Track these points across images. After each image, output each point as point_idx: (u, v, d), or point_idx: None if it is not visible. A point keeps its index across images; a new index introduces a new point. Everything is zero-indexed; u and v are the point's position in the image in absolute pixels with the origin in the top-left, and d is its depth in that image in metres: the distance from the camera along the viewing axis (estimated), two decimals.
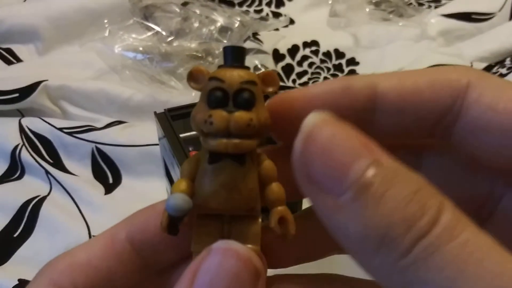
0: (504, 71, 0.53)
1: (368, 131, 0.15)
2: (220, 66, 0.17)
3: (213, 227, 0.17)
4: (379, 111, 0.17)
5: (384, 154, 0.14)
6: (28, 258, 0.44)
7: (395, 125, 0.17)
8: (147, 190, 0.50)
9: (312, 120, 0.14)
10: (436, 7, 0.73)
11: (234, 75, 0.16)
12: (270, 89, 0.17)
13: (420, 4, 0.76)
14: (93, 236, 0.45)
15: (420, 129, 0.17)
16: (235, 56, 0.17)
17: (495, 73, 0.55)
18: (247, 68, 0.17)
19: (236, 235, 0.17)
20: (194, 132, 0.44)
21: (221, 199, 0.16)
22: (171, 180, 0.44)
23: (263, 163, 0.17)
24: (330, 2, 0.75)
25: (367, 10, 0.73)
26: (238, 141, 0.16)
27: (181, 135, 0.41)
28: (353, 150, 0.13)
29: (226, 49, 0.17)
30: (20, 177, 0.51)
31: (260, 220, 0.17)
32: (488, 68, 0.60)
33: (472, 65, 0.60)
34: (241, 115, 0.16)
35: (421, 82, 0.17)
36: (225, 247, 0.15)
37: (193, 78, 0.17)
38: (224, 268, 0.15)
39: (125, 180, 0.51)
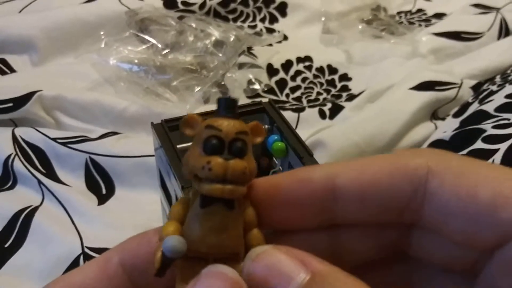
0: (494, 88, 0.54)
1: (331, 217, 0.18)
2: (214, 115, 0.18)
3: (198, 269, 0.17)
4: (340, 201, 0.17)
5: (321, 264, 0.16)
6: (19, 268, 0.44)
7: (358, 212, 0.18)
8: (141, 201, 0.50)
9: (258, 250, 0.17)
10: (426, 26, 0.75)
11: (230, 125, 0.17)
12: (258, 140, 0.18)
13: (411, 23, 0.77)
14: (86, 247, 0.45)
15: (385, 215, 0.18)
16: (229, 107, 0.18)
17: (485, 90, 0.56)
18: (239, 118, 0.18)
19: None
20: (190, 143, 0.44)
21: (211, 243, 0.17)
22: (166, 191, 0.44)
23: (246, 209, 0.18)
24: (323, 19, 0.77)
25: (359, 27, 0.74)
26: (233, 187, 0.17)
27: (178, 146, 0.41)
28: (292, 266, 0.16)
29: (220, 100, 0.18)
30: (12, 186, 0.50)
31: (241, 264, 0.18)
32: (478, 85, 0.62)
33: (462, 82, 0.61)
34: (237, 163, 0.17)
35: (380, 174, 0.17)
36: (215, 270, 0.16)
37: (188, 124, 0.18)
38: None
39: (119, 191, 0.51)
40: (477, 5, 0.77)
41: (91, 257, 0.44)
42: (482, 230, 0.16)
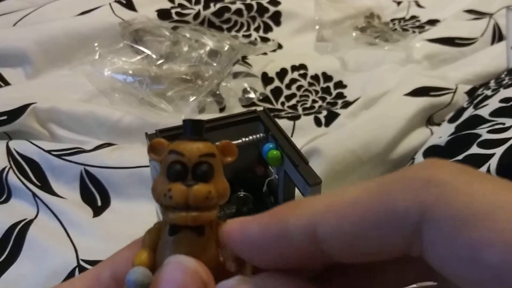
0: (489, 92, 0.54)
1: (315, 261, 0.16)
2: (180, 138, 0.17)
3: None
4: (325, 249, 0.15)
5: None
6: (14, 282, 0.43)
7: (349, 257, 0.15)
8: (136, 213, 0.50)
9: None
10: (420, 32, 0.75)
11: (193, 149, 0.17)
12: (229, 159, 0.18)
13: (405, 30, 0.77)
14: (81, 259, 0.45)
15: (382, 258, 0.15)
16: (194, 129, 0.17)
17: (480, 94, 0.56)
18: (206, 140, 0.17)
19: None
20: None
21: None
22: None
23: (220, 228, 0.17)
24: (317, 27, 0.77)
25: (354, 35, 0.75)
26: (196, 214, 0.16)
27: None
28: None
29: (185, 122, 0.17)
30: (6, 200, 0.50)
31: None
32: (473, 90, 0.62)
33: (457, 88, 0.61)
34: (199, 189, 0.16)
35: (363, 223, 0.14)
36: (175, 260, 0.16)
37: (153, 150, 0.17)
38: (173, 279, 0.16)
39: (114, 203, 0.51)
40: (470, 11, 0.77)
41: (87, 270, 0.43)
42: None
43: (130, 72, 0.61)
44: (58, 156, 0.52)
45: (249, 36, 0.75)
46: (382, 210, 0.14)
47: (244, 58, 0.68)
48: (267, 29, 0.77)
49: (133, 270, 0.16)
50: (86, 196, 0.51)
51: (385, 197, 0.14)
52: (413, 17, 0.81)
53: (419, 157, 0.50)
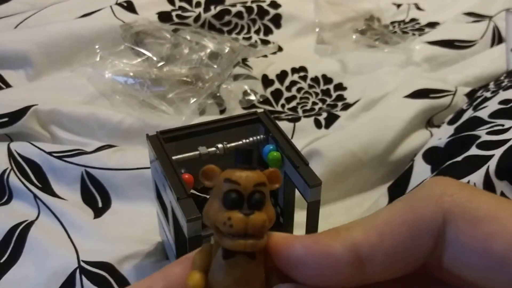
0: (488, 94, 0.54)
1: (357, 280, 0.17)
2: (232, 166, 0.18)
3: None
4: (367, 267, 0.17)
5: None
6: (15, 283, 0.43)
7: (385, 271, 0.18)
8: (137, 214, 0.50)
9: None
10: (420, 35, 0.75)
11: (249, 178, 0.17)
12: (276, 186, 0.19)
13: (405, 32, 0.78)
14: (82, 261, 0.45)
15: (412, 267, 0.18)
16: (246, 158, 0.18)
17: (479, 96, 0.56)
18: (256, 169, 0.18)
19: None
20: (186, 154, 0.44)
21: None
22: (162, 203, 0.44)
23: (268, 256, 0.18)
24: (317, 30, 0.77)
25: (354, 37, 0.75)
26: (254, 241, 0.17)
27: (173, 158, 0.41)
28: None
29: (237, 152, 0.18)
30: (7, 201, 0.50)
31: None
32: (472, 92, 0.62)
33: (456, 90, 0.61)
34: (257, 218, 0.17)
35: (401, 234, 0.17)
36: None
37: (206, 176, 0.18)
38: None
39: (115, 204, 0.51)
40: (469, 14, 0.77)
41: (88, 271, 0.43)
42: (495, 283, 0.16)
43: (131, 74, 0.61)
44: (59, 157, 0.52)
45: (249, 38, 0.76)
46: (413, 220, 0.17)
47: (244, 60, 0.68)
48: (268, 31, 0.77)
49: None
50: (87, 198, 0.51)
51: (413, 210, 0.17)
52: (413, 19, 0.81)
53: (418, 159, 0.50)
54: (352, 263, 0.17)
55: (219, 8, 0.76)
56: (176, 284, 0.18)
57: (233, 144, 0.43)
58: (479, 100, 0.54)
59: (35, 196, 0.50)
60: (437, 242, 0.17)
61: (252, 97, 0.64)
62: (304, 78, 0.69)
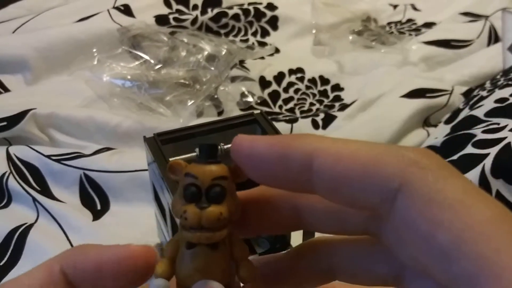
0: (484, 93, 0.54)
1: (307, 189, 0.18)
2: (195, 161, 0.19)
3: None
4: (314, 180, 0.17)
5: None
6: None
7: (331, 195, 0.18)
8: (135, 216, 0.50)
9: None
10: (416, 35, 0.76)
11: (207, 172, 0.18)
12: (239, 180, 0.19)
13: (401, 33, 0.78)
14: None
15: (357, 207, 0.18)
16: (208, 152, 0.18)
17: (476, 95, 0.56)
18: (219, 162, 0.19)
19: None
20: (183, 156, 0.44)
21: (196, 280, 0.18)
22: (160, 205, 0.44)
23: (235, 245, 0.19)
24: (314, 31, 0.77)
25: (350, 38, 0.75)
26: (209, 234, 0.18)
27: (171, 159, 0.41)
28: None
29: (201, 146, 0.19)
30: (7, 205, 0.50)
31: None
32: (469, 92, 0.62)
33: (453, 89, 0.61)
34: (211, 211, 0.17)
35: (353, 171, 0.16)
36: (205, 285, 0.18)
37: (172, 170, 0.19)
38: None
39: (113, 206, 0.51)
40: (466, 14, 0.78)
41: None
42: (434, 274, 0.15)
43: (129, 77, 0.61)
44: (58, 160, 0.52)
45: (246, 40, 0.76)
46: (372, 167, 0.16)
47: (241, 62, 0.69)
48: (265, 33, 0.78)
49: (156, 281, 0.18)
50: (86, 200, 0.51)
51: (378, 159, 0.16)
52: (409, 20, 0.82)
53: None
54: (303, 168, 0.17)
55: (216, 10, 0.76)
56: (72, 261, 0.19)
57: (230, 145, 0.43)
58: (475, 99, 0.55)
59: (34, 199, 0.50)
60: (383, 204, 0.16)
61: (250, 99, 0.65)
62: (301, 79, 0.69)
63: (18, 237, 0.47)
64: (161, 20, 0.73)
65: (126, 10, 0.74)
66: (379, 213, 0.17)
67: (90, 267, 0.19)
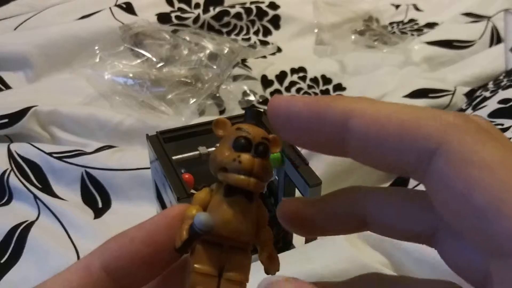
0: (487, 94, 0.54)
1: (343, 150, 0.18)
2: (241, 122, 0.20)
3: (213, 254, 0.19)
4: (350, 140, 0.17)
5: None
6: (15, 284, 0.43)
7: (365, 156, 0.18)
8: (137, 214, 0.50)
9: (270, 279, 0.18)
10: (418, 35, 0.76)
11: (258, 131, 0.19)
12: (276, 150, 0.20)
13: (403, 33, 0.78)
14: None
15: (392, 168, 0.18)
16: (255, 117, 0.20)
17: (479, 96, 0.56)
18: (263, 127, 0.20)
19: (231, 263, 0.19)
20: (186, 155, 0.44)
21: (231, 228, 0.19)
22: (162, 203, 0.44)
23: (260, 208, 0.20)
24: (316, 31, 0.77)
25: (352, 38, 0.75)
26: (257, 181, 0.19)
27: (173, 158, 0.41)
28: None
29: (247, 110, 0.20)
30: (8, 202, 0.50)
31: (250, 254, 0.20)
32: (471, 92, 0.62)
33: (456, 89, 0.61)
34: (263, 161, 0.19)
35: (389, 132, 0.16)
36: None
37: (219, 126, 0.20)
38: None
39: (115, 204, 0.51)
40: (468, 14, 0.78)
41: None
42: (469, 233, 0.16)
43: (131, 75, 0.61)
44: (59, 158, 0.52)
45: (248, 39, 0.76)
46: (410, 127, 0.16)
47: (243, 61, 0.68)
48: (267, 32, 0.78)
49: (200, 214, 0.18)
50: (87, 198, 0.51)
51: (417, 120, 0.16)
52: (411, 20, 0.82)
53: None
54: (338, 128, 0.17)
55: (218, 9, 0.76)
56: (116, 258, 0.18)
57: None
58: (478, 99, 0.55)
59: (35, 197, 0.50)
60: (419, 164, 0.16)
61: (252, 98, 0.65)
62: (303, 78, 0.69)
63: (19, 235, 0.47)
64: (163, 18, 0.73)
65: (128, 8, 0.74)
66: (411, 174, 0.17)
67: (137, 259, 0.18)
